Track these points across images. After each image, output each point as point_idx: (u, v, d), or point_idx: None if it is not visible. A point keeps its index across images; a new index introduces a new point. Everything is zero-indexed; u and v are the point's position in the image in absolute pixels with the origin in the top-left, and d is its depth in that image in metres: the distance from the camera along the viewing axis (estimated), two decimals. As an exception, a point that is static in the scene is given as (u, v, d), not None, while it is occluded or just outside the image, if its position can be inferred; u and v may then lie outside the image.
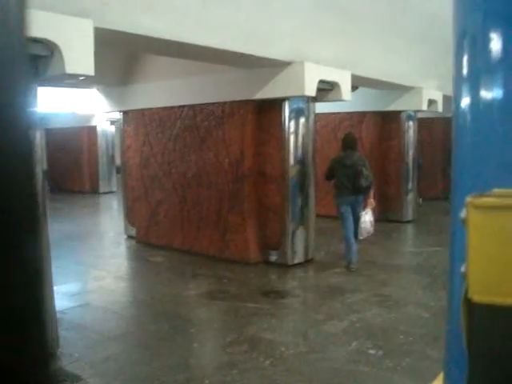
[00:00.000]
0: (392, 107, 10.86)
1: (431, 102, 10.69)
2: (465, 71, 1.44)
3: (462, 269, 0.90)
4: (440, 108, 10.97)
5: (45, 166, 18.44)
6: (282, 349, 4.75)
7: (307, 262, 7.89)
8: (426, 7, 8.68)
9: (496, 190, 0.90)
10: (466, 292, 0.88)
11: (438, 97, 10.76)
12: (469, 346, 0.89)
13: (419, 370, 4.29)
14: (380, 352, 4.64)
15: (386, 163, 11.39)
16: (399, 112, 11.04)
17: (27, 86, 0.66)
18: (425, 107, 10.49)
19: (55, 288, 4.92)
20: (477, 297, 0.86)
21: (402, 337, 4.99)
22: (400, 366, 4.35)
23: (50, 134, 20.08)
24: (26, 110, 0.64)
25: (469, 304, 0.87)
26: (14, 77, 0.63)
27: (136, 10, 4.81)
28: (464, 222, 0.88)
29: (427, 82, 10.33)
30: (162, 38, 5.09)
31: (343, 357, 4.59)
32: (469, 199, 0.86)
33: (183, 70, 8.01)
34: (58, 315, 5.17)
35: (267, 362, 4.46)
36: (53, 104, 14.11)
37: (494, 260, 0.86)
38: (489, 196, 0.88)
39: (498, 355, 0.87)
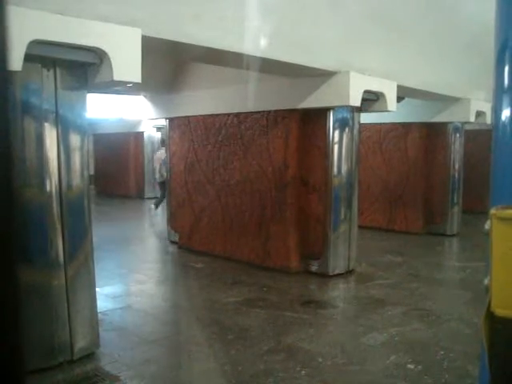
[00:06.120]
0: (438, 118, 10.67)
1: (479, 114, 10.46)
2: (505, 83, 1.43)
3: (485, 281, 0.88)
4: (488, 120, 10.72)
5: (91, 171, 18.97)
6: (319, 359, 4.72)
7: (348, 272, 7.83)
8: (474, 17, 8.51)
9: (524, 203, 0.88)
10: (489, 305, 0.86)
11: (486, 108, 10.52)
12: (490, 359, 0.88)
13: (459, 387, 4.21)
14: (419, 367, 4.56)
15: (431, 175, 11.19)
16: (446, 123, 10.85)
17: (5, 91, 0.67)
18: (472, 119, 10.27)
19: (97, 289, 5.01)
20: (499, 310, 0.84)
21: (442, 352, 4.88)
22: (439, 383, 4.27)
23: (97, 139, 20.61)
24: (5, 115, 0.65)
25: (491, 317, 0.86)
26: None
27: (183, 20, 4.88)
28: (488, 234, 0.87)
29: (475, 93, 10.12)
30: (208, 46, 5.15)
31: (381, 370, 4.52)
32: (493, 211, 0.84)
33: (228, 79, 8.08)
34: (100, 316, 5.28)
35: (303, 372, 4.44)
36: (101, 110, 14.45)
37: None
38: (514, 208, 0.87)
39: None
